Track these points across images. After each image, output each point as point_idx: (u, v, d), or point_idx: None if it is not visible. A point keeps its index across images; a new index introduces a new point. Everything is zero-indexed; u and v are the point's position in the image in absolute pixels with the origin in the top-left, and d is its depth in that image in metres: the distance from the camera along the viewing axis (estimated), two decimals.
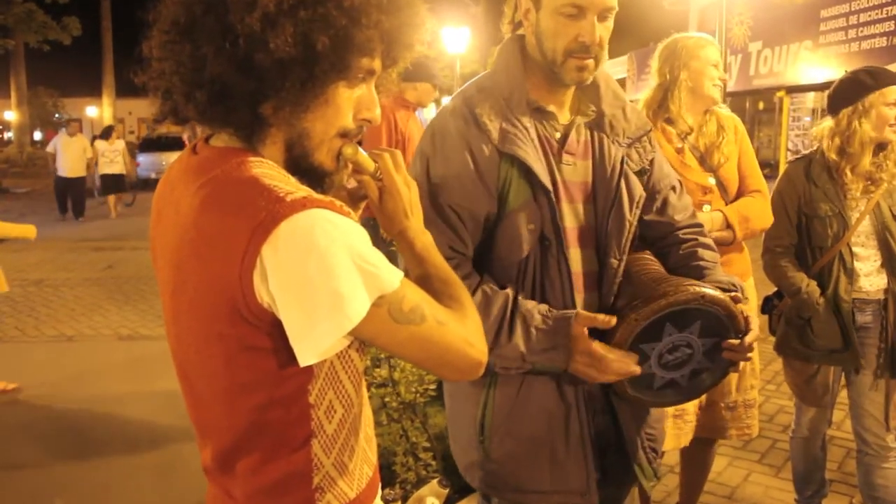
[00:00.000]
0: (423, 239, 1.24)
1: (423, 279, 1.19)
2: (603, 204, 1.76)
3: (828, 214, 2.71)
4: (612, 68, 18.10)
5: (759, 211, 2.70)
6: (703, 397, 2.72)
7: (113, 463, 3.94)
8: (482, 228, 1.70)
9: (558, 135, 1.77)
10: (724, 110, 2.78)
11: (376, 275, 1.00)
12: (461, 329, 1.12)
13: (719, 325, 1.69)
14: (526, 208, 1.67)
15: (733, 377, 2.72)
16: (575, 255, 1.74)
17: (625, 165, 1.78)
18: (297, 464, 1.09)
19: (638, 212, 1.79)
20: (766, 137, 12.55)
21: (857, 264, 2.72)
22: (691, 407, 2.69)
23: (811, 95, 11.53)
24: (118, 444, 4.16)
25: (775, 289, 2.98)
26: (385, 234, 1.27)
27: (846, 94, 2.70)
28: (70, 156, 13.69)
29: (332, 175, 1.14)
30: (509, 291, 1.67)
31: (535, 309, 1.66)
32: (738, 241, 2.66)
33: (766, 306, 3.01)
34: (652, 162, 1.85)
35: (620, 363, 1.63)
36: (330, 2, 1.02)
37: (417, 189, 1.27)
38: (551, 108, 1.76)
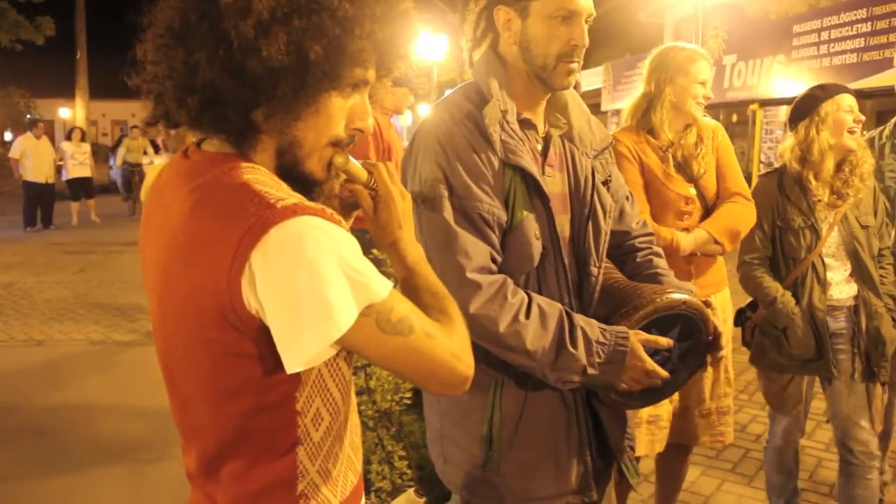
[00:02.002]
0: (415, 251, 1.24)
1: (413, 291, 1.18)
2: (579, 214, 1.80)
3: (801, 226, 2.78)
4: (589, 79, 18.24)
5: (742, 216, 2.73)
6: (677, 404, 2.75)
7: (82, 470, 3.88)
8: (502, 238, 1.70)
9: (540, 147, 1.80)
10: (706, 119, 2.81)
11: (365, 284, 0.99)
12: (449, 342, 1.11)
13: (694, 328, 1.77)
14: (531, 218, 1.69)
15: (706, 384, 2.77)
16: (570, 264, 1.78)
17: (595, 177, 1.83)
18: (282, 470, 1.09)
19: (611, 220, 1.85)
20: (740, 150, 12.70)
21: (828, 274, 2.78)
22: (665, 413, 2.72)
23: (784, 109, 11.69)
24: (87, 451, 4.09)
25: (748, 300, 3.03)
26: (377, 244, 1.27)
27: (802, 109, 2.81)
28: (39, 159, 12.80)
29: (322, 184, 1.14)
30: (559, 305, 1.68)
31: (590, 322, 1.68)
32: (727, 252, 2.72)
33: (739, 318, 3.05)
34: (611, 173, 1.91)
35: (661, 377, 1.69)
36: (324, 11, 1.02)
37: (410, 201, 1.26)
38: (532, 119, 1.79)
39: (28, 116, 30.41)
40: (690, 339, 1.78)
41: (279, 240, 0.94)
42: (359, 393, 3.39)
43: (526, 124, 1.77)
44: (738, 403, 4.69)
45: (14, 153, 12.97)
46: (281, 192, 1.01)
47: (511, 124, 1.71)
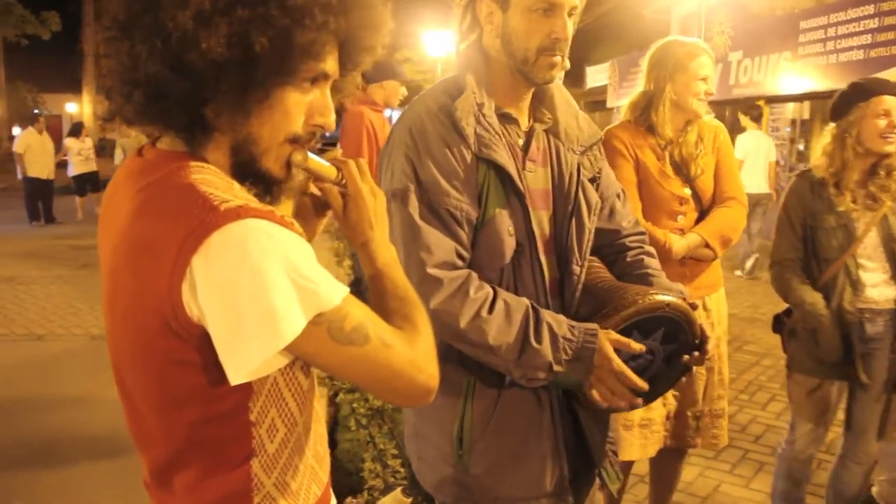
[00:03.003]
0: (386, 253, 1.20)
1: (380, 295, 1.15)
2: (563, 211, 1.77)
3: (832, 226, 2.69)
4: (595, 76, 18.16)
5: (734, 221, 2.70)
6: (672, 407, 2.71)
7: (78, 464, 3.87)
8: (472, 234, 1.67)
9: (521, 141, 1.77)
10: (708, 118, 2.76)
11: (314, 291, 0.95)
12: (409, 352, 1.07)
13: (680, 331, 1.73)
14: (505, 213, 1.66)
15: (700, 386, 2.73)
16: (546, 262, 1.74)
17: (581, 174, 1.79)
18: (236, 483, 1.05)
19: (595, 219, 1.82)
20: None
21: (864, 275, 2.68)
22: (658, 417, 2.68)
23: (790, 106, 11.63)
24: (85, 445, 4.08)
25: (786, 306, 2.92)
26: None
27: (836, 110, 2.72)
28: (43, 155, 12.72)
29: (281, 182, 1.09)
30: (527, 300, 1.65)
31: (559, 318, 1.65)
32: (719, 257, 2.68)
33: (777, 324, 2.97)
34: (600, 170, 1.87)
35: (633, 381, 1.64)
36: (272, 1, 0.97)
37: (384, 199, 1.22)
38: (514, 113, 1.76)
39: (36, 111, 30.50)
40: (676, 342, 1.74)
41: (221, 244, 0.90)
42: (351, 390, 3.37)
43: (506, 118, 1.74)
44: (738, 404, 4.65)
45: (18, 148, 12.80)
46: (228, 193, 0.96)
47: (488, 118, 1.69)
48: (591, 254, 1.87)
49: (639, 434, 2.65)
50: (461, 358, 1.68)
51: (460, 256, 1.64)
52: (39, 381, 5.10)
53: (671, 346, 1.73)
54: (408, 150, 1.66)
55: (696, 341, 1.75)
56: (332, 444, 3.85)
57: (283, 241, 0.94)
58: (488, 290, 1.63)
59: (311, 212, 1.27)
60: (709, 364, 2.73)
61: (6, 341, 6.05)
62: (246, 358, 0.93)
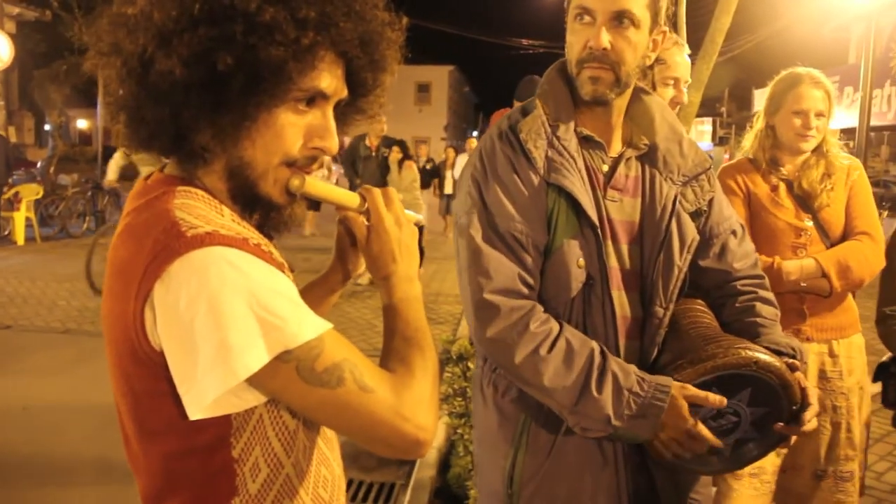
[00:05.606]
0: (406, 288, 1.12)
1: (390, 332, 1.09)
2: (650, 246, 1.62)
3: None
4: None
5: (863, 256, 2.42)
6: (785, 458, 2.48)
7: None
8: (540, 262, 1.58)
9: (606, 168, 1.64)
10: (841, 154, 2.55)
11: (279, 327, 0.90)
12: (393, 399, 0.98)
13: (772, 394, 1.52)
14: (575, 244, 1.56)
15: (822, 442, 2.47)
16: (618, 298, 1.61)
17: (677, 205, 1.64)
18: None
19: (689, 256, 1.64)
20: None
21: None
22: (770, 466, 2.45)
23: None
24: None
25: (891, 354, 2.56)
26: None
27: None
28: None
29: (282, 208, 1.05)
30: (595, 344, 1.54)
31: (627, 368, 1.51)
32: (837, 291, 2.40)
33: (881, 374, 2.59)
34: (710, 203, 1.70)
35: (710, 441, 1.49)
36: (239, 17, 0.92)
37: (414, 231, 1.16)
38: (598, 137, 1.64)
39: None
40: (768, 405, 1.53)
41: (182, 272, 0.88)
42: (461, 415, 3.35)
43: (589, 142, 1.64)
44: (892, 460, 4.21)
45: None
46: (204, 219, 0.93)
47: (563, 141, 1.59)
48: (699, 295, 1.72)
49: (748, 484, 2.44)
50: (521, 392, 1.59)
51: (525, 284, 1.55)
52: None
53: (762, 410, 1.54)
54: (475, 171, 1.62)
55: (795, 407, 1.53)
56: (446, 467, 3.84)
57: (249, 272, 0.90)
58: (553, 325, 1.53)
59: (347, 242, 1.25)
60: (835, 419, 2.47)
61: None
62: (201, 392, 0.89)
